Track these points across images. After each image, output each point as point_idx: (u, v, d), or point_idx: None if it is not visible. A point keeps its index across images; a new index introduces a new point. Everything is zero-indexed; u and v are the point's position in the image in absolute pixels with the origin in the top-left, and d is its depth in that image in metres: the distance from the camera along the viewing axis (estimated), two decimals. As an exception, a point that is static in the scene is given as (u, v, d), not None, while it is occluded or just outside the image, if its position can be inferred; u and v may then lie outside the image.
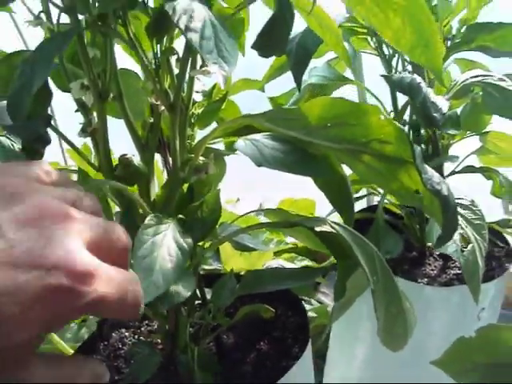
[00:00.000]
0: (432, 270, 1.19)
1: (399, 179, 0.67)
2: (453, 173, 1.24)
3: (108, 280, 0.39)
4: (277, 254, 1.27)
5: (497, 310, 1.23)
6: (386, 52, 1.20)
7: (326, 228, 0.68)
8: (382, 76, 0.93)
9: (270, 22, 0.71)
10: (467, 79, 1.08)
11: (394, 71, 1.17)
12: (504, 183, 1.33)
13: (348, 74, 1.26)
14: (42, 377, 0.38)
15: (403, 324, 0.73)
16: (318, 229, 0.68)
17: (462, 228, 0.91)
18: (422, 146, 1.19)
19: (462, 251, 0.89)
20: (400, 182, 0.67)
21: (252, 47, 0.72)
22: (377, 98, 1.18)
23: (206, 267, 1.02)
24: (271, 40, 0.72)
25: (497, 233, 1.28)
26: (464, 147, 1.35)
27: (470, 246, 0.89)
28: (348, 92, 1.33)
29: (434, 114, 0.84)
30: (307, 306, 1.53)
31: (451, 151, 1.30)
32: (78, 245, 0.38)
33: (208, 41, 0.53)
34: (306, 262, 1.31)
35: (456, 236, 0.90)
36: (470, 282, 0.88)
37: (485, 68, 1.20)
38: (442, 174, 1.19)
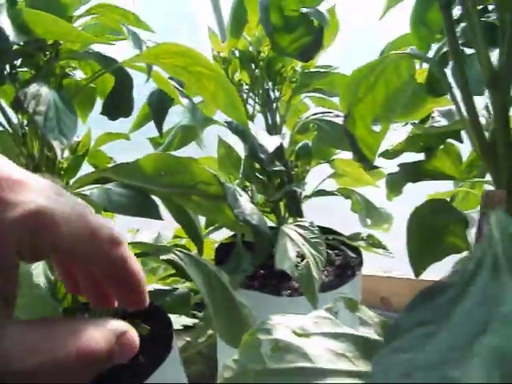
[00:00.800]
0: (297, 282, 1.35)
1: (225, 213, 0.84)
2: (306, 197, 1.42)
3: (53, 198, 0.33)
4: (164, 278, 1.41)
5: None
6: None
7: (169, 256, 0.84)
8: (225, 122, 1.09)
9: (113, 91, 0.87)
10: (309, 117, 1.26)
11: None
12: (360, 200, 1.52)
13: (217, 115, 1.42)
14: (15, 343, 0.30)
15: (244, 327, 0.89)
16: (162, 257, 0.84)
17: (299, 246, 1.07)
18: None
19: (298, 266, 1.05)
20: (225, 215, 0.84)
21: (101, 113, 0.88)
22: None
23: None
24: (116, 105, 0.88)
25: (349, 245, 1.45)
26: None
27: (304, 261, 1.05)
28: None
29: (261, 155, 1.01)
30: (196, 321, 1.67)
31: (312, 176, 1.47)
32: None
33: (51, 121, 0.69)
34: (188, 284, 1.45)
35: (292, 254, 1.05)
36: (306, 293, 1.02)
37: (331, 105, 1.38)
38: (296, 197, 1.36)
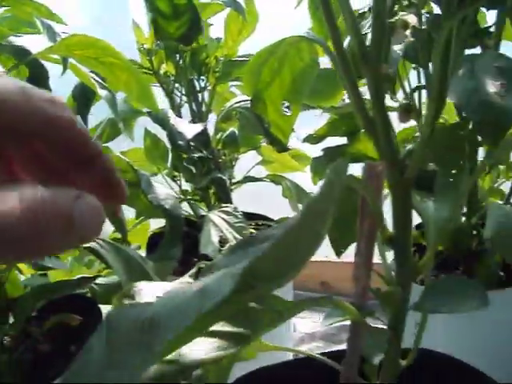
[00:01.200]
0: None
1: (140, 199, 0.86)
2: (235, 184, 1.44)
3: None
4: (100, 271, 1.42)
5: (289, 293, 1.42)
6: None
7: (90, 244, 0.86)
8: (146, 112, 1.11)
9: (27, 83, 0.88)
10: (232, 105, 1.28)
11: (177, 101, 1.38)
12: (290, 186, 1.55)
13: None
14: None
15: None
16: (84, 245, 0.86)
17: (223, 231, 1.10)
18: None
19: (221, 251, 1.07)
20: (141, 200, 0.86)
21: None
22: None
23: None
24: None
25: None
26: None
27: (227, 245, 1.08)
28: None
29: (179, 142, 1.04)
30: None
31: (245, 164, 1.50)
32: None
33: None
34: (121, 275, 1.47)
35: (215, 238, 1.08)
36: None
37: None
38: (224, 185, 1.38)
